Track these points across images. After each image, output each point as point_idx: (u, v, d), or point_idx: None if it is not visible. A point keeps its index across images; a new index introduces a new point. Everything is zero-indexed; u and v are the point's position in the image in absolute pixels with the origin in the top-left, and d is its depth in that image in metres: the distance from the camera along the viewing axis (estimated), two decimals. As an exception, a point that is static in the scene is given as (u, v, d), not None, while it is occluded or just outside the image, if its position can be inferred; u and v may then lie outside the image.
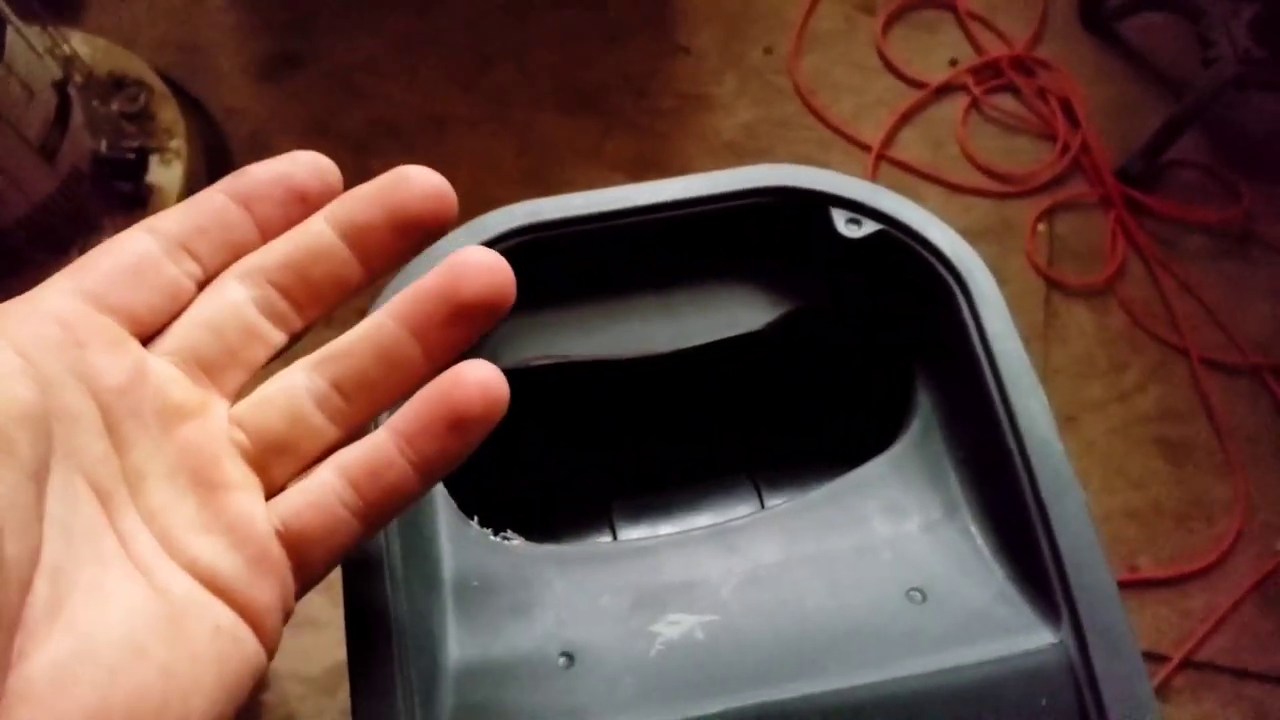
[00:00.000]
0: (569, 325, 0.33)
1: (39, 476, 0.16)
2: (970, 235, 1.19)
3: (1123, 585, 1.06)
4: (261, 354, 0.21)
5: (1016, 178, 1.24)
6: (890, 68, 1.32)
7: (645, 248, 0.33)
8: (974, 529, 0.30)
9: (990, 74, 1.31)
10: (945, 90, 1.30)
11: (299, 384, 0.21)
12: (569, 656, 0.28)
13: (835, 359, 0.35)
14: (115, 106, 1.16)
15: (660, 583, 0.29)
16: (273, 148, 1.23)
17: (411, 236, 0.21)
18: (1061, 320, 1.18)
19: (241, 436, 0.20)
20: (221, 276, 0.21)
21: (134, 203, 1.12)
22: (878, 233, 0.32)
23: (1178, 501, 1.11)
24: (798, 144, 1.28)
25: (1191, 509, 1.10)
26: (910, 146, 1.28)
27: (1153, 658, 1.03)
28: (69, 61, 1.10)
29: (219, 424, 0.20)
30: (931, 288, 0.32)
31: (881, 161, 1.26)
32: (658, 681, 0.27)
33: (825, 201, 0.32)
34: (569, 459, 0.36)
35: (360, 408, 0.21)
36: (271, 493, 0.21)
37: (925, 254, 0.32)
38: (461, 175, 1.27)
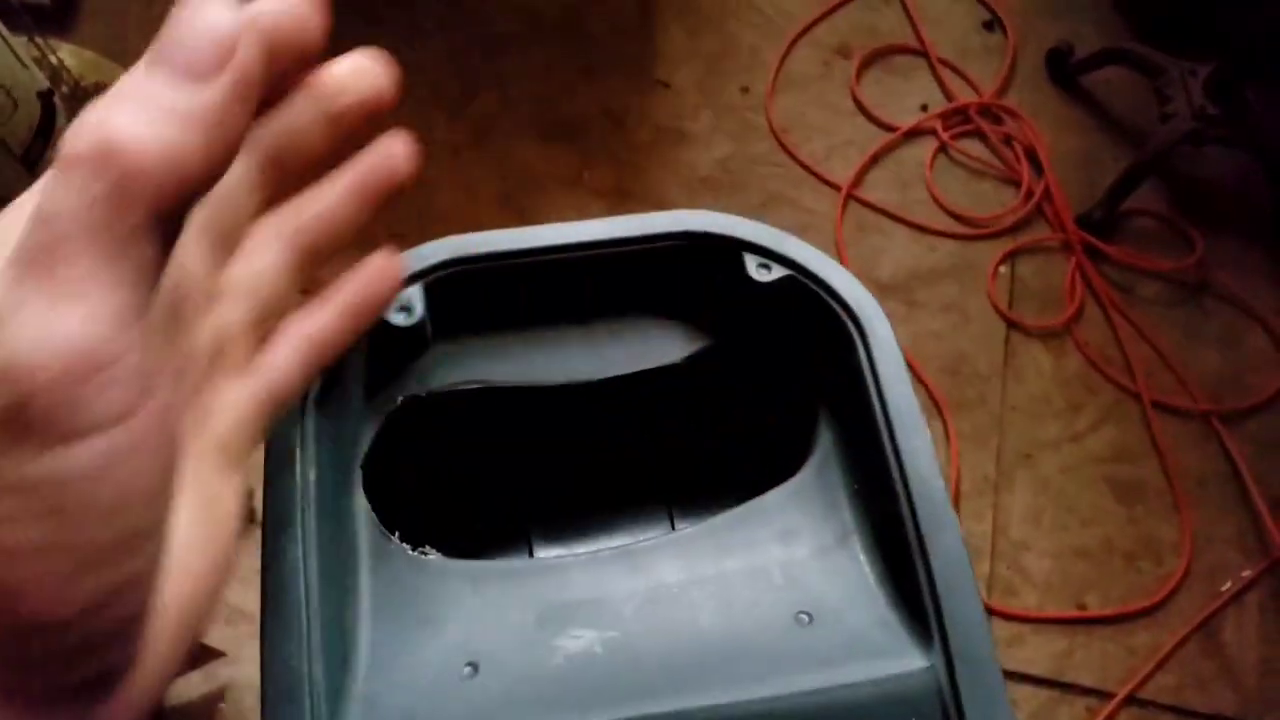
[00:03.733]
0: (495, 353, 0.35)
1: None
2: (934, 275, 1.22)
3: (1071, 622, 1.09)
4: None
5: (980, 221, 1.28)
6: (863, 110, 1.35)
7: (570, 283, 0.35)
8: (863, 557, 0.32)
9: (959, 119, 1.34)
10: (915, 134, 1.34)
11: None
12: (474, 666, 0.30)
13: (746, 394, 0.37)
14: (100, 119, 1.18)
15: (567, 599, 0.31)
16: (255, 164, 1.25)
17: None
18: (1020, 360, 1.21)
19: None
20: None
21: (114, 214, 1.13)
22: (786, 278, 0.34)
23: (1127, 541, 1.13)
24: (770, 180, 1.31)
25: (1140, 548, 1.12)
26: (879, 187, 1.31)
27: (1098, 694, 1.05)
28: (56, 72, 1.12)
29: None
30: (834, 331, 0.34)
31: (850, 200, 1.29)
32: (554, 691, 0.29)
33: (738, 247, 0.35)
34: (491, 481, 0.38)
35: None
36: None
37: (828, 299, 0.34)
38: (443, 200, 1.30)
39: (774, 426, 0.37)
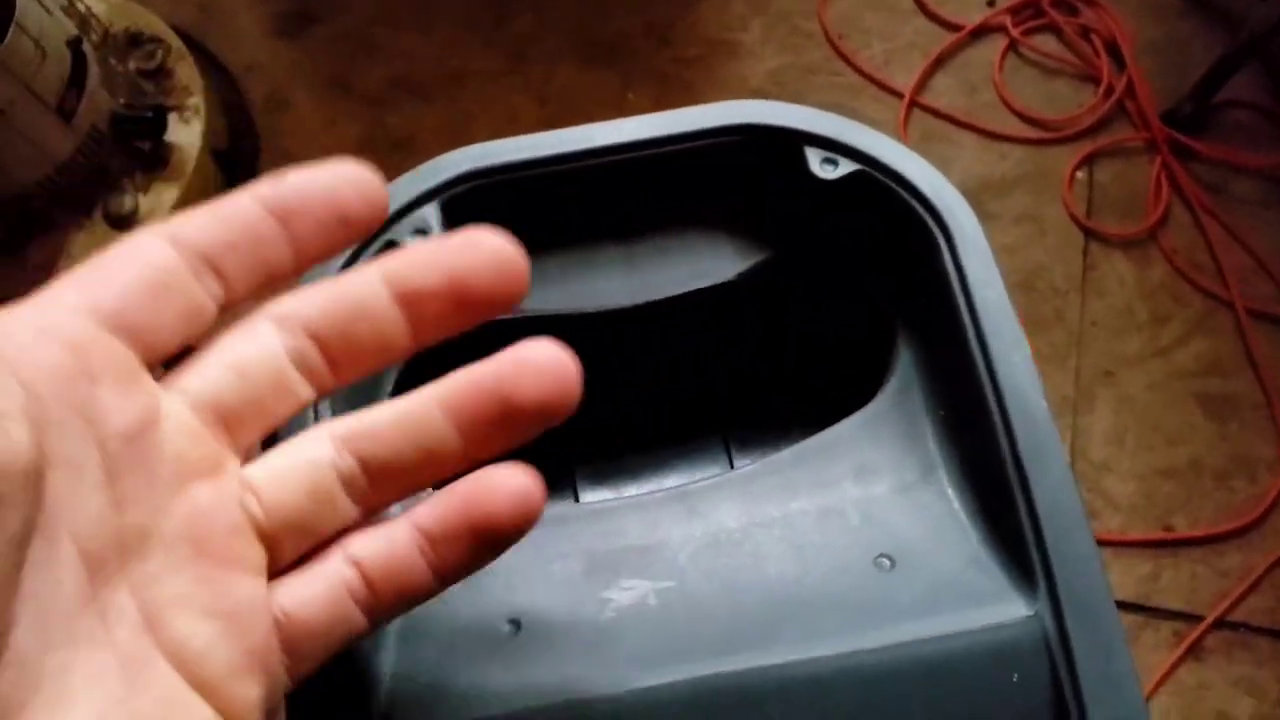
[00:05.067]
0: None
1: (22, 542, 0.14)
2: (1006, 184, 1.14)
3: (1157, 544, 1.03)
4: (286, 410, 0.18)
5: (1056, 123, 1.19)
6: (923, 10, 1.26)
7: (607, 193, 0.31)
8: (950, 491, 0.28)
9: (1030, 13, 1.25)
10: (981, 32, 1.24)
11: (325, 457, 0.18)
12: (515, 623, 0.27)
13: (811, 310, 0.33)
14: (132, 64, 1.16)
15: (616, 547, 0.28)
16: (292, 104, 1.22)
17: (472, 310, 0.19)
18: (1100, 271, 1.14)
19: (256, 506, 0.18)
20: (254, 317, 0.18)
21: (154, 161, 1.12)
22: (855, 173, 0.30)
23: (1219, 459, 1.06)
24: (827, 90, 1.23)
25: (1233, 466, 1.06)
26: (944, 92, 1.23)
27: (1186, 617, 1.00)
28: (84, 19, 1.10)
29: (233, 488, 0.18)
30: (913, 231, 0.29)
31: (914, 108, 1.21)
32: (606, 650, 0.26)
33: (798, 140, 0.30)
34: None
35: (383, 492, 0.19)
36: (274, 572, 0.18)
37: (905, 195, 0.29)
38: (480, 129, 1.25)
39: (844, 347, 0.33)
